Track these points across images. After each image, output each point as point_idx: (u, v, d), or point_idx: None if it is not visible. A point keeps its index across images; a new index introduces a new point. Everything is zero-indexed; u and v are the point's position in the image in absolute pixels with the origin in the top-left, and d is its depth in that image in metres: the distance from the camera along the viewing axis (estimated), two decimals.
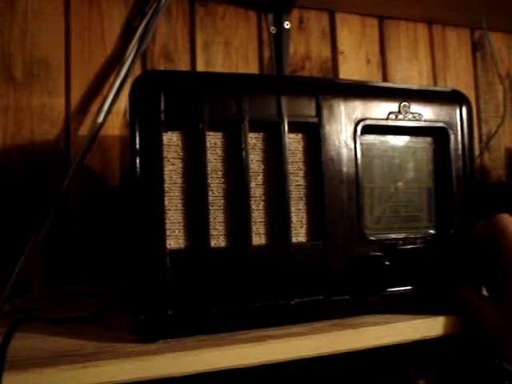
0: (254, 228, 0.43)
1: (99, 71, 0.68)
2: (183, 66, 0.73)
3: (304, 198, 0.45)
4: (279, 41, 0.76)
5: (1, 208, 0.62)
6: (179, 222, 0.42)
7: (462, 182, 0.50)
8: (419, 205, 0.49)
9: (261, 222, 0.44)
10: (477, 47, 0.93)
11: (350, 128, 0.46)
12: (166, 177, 0.41)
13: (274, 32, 0.77)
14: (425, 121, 0.49)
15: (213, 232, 0.42)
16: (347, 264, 0.45)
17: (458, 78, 0.91)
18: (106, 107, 0.63)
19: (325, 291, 0.44)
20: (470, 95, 0.90)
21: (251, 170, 0.43)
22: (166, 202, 0.41)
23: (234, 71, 0.74)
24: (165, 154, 0.41)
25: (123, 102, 0.61)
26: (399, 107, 0.48)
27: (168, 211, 0.41)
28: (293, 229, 0.44)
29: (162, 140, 0.41)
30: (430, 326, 0.45)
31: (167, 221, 0.41)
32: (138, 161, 0.40)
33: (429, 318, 0.45)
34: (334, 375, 0.65)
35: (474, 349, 0.71)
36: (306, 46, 0.81)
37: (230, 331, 0.42)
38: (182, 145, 0.42)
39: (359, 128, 0.46)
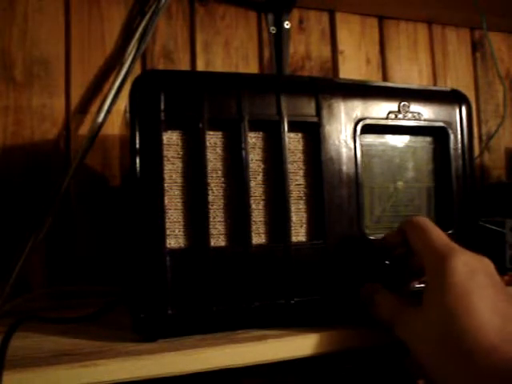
0: (253, 227, 0.43)
1: (99, 71, 0.68)
2: (183, 65, 0.73)
3: (304, 198, 0.45)
4: (279, 41, 0.76)
5: (1, 208, 0.62)
6: (179, 222, 0.42)
7: (461, 182, 0.50)
8: (419, 204, 0.49)
9: (261, 221, 0.44)
10: (477, 47, 0.93)
11: (350, 127, 0.46)
12: (166, 176, 0.41)
13: (274, 32, 0.76)
14: (424, 120, 0.49)
15: (213, 231, 0.42)
16: (347, 263, 0.45)
17: (457, 78, 0.91)
18: (105, 107, 0.63)
19: (325, 290, 0.44)
20: (470, 95, 0.90)
21: (251, 170, 0.43)
22: (166, 202, 0.41)
23: (234, 71, 0.74)
24: (165, 153, 0.41)
25: (123, 102, 0.61)
26: (399, 107, 0.48)
27: (168, 210, 0.41)
28: (293, 228, 0.44)
29: (161, 139, 0.41)
30: None
31: (167, 220, 0.41)
32: (138, 160, 0.40)
33: None
34: (334, 375, 0.65)
35: None
36: (305, 45, 0.81)
37: (229, 330, 0.42)
38: (182, 144, 0.42)
39: (359, 127, 0.46)
